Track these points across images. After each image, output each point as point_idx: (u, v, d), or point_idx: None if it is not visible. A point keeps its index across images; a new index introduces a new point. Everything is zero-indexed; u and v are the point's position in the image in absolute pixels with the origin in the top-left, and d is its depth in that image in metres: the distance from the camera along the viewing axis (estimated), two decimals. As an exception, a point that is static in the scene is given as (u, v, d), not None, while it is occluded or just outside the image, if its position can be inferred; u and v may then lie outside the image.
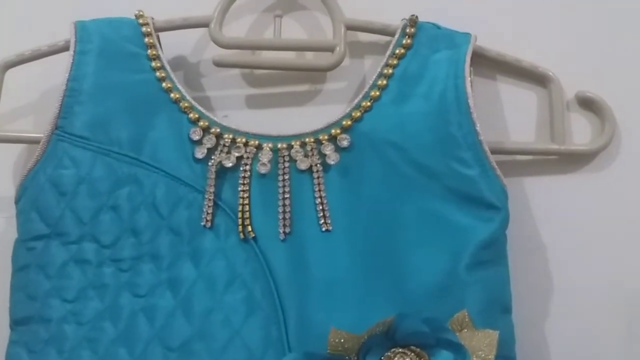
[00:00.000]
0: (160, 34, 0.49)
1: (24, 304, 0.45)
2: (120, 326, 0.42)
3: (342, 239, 0.43)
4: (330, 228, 0.43)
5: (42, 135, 0.46)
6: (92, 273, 0.44)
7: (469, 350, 0.38)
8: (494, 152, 0.45)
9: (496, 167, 0.44)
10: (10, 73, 0.50)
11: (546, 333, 0.48)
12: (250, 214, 0.43)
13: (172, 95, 0.46)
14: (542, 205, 0.49)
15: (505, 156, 0.49)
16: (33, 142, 0.48)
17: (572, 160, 0.49)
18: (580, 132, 0.49)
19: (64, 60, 0.47)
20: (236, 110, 0.52)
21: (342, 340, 0.38)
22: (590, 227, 0.49)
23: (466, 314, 0.40)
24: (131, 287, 0.43)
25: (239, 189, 0.44)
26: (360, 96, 0.46)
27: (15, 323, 0.45)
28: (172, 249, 0.43)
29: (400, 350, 0.38)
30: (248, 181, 0.44)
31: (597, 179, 0.49)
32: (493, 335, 0.40)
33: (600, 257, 0.48)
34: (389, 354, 0.38)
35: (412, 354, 0.38)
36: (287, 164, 0.44)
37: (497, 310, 0.42)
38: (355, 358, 0.39)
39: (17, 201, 0.46)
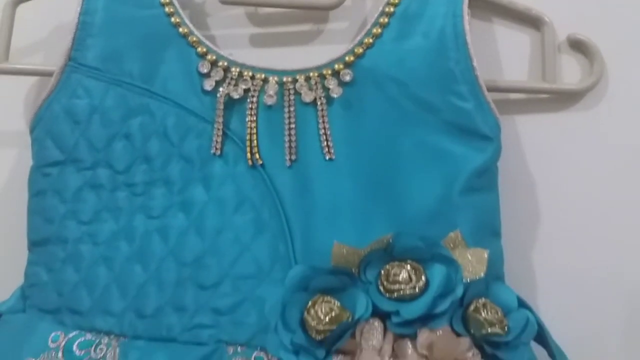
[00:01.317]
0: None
1: (41, 226, 0.47)
2: (135, 245, 0.45)
3: (344, 167, 0.45)
4: (334, 157, 0.45)
5: (54, 68, 0.48)
6: (106, 197, 0.46)
7: (461, 266, 0.42)
8: (488, 89, 0.48)
9: (490, 101, 0.47)
10: (21, 8, 0.52)
11: (534, 260, 0.52)
12: (257, 142, 0.46)
13: (180, 29, 0.48)
14: (532, 141, 0.52)
15: (499, 94, 0.51)
16: (46, 74, 0.50)
17: (562, 99, 0.52)
18: (570, 72, 0.52)
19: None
20: (241, 49, 0.53)
21: (344, 253, 0.41)
22: (578, 162, 0.51)
23: (459, 233, 0.43)
24: (145, 210, 0.46)
25: (247, 119, 0.46)
26: (363, 33, 0.48)
27: (34, 244, 0.48)
28: (183, 175, 0.46)
29: (397, 263, 0.41)
30: (255, 112, 0.46)
31: (584, 116, 0.52)
32: (483, 253, 0.43)
33: (586, 190, 0.51)
34: (387, 267, 0.41)
35: (409, 267, 0.41)
36: (292, 97, 0.46)
37: (487, 233, 0.45)
38: (357, 271, 0.42)
39: (31, 130, 0.48)
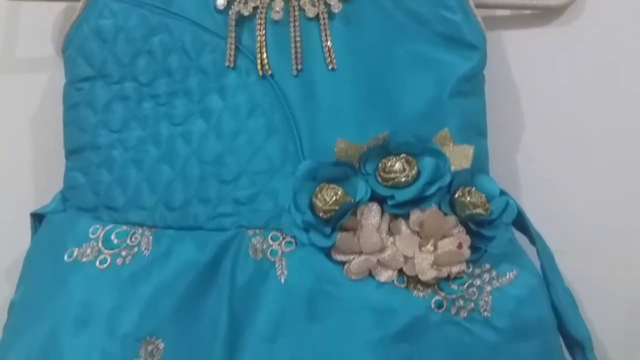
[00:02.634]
0: None
1: (76, 135, 0.53)
2: (162, 148, 0.51)
3: (345, 76, 0.50)
4: (335, 67, 0.50)
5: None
6: (133, 107, 0.52)
7: (449, 158, 0.47)
8: (476, 6, 0.52)
9: (477, 15, 0.51)
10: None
11: (518, 163, 0.58)
12: (267, 54, 0.51)
13: None
14: (517, 53, 0.57)
15: (486, 10, 0.56)
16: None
17: (545, 15, 0.57)
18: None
19: None
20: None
21: (346, 148, 0.47)
22: (560, 71, 0.57)
23: (448, 131, 0.49)
24: (169, 117, 0.51)
25: (257, 34, 0.51)
26: (359, -48, 0.52)
27: (70, 152, 0.54)
28: (201, 86, 0.51)
29: (393, 157, 0.47)
30: (264, 27, 0.51)
31: (565, 31, 0.57)
32: (469, 149, 0.49)
33: (568, 101, 0.57)
34: (384, 160, 0.47)
35: (403, 159, 0.47)
36: (297, 13, 0.51)
37: (474, 132, 0.50)
38: (357, 165, 0.48)
39: (64, 50, 0.53)
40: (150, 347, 0.46)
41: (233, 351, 0.45)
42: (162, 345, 0.46)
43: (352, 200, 0.46)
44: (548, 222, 0.54)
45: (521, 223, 0.52)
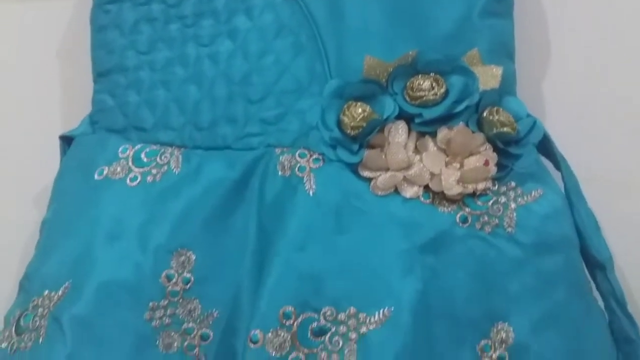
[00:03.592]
0: None
1: (104, 58, 0.53)
2: (189, 69, 0.51)
3: None
4: None
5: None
6: (160, 29, 0.52)
7: (478, 77, 0.47)
8: None
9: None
10: None
11: (544, 91, 0.57)
12: (294, -27, 0.51)
13: None
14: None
15: None
16: None
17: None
18: None
19: None
20: None
21: (374, 65, 0.47)
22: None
23: (477, 51, 0.48)
24: (196, 39, 0.51)
25: (283, -49, 0.51)
26: None
27: (99, 75, 0.54)
28: (228, 6, 0.51)
29: (421, 76, 0.47)
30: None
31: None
32: (498, 69, 0.48)
33: (597, 27, 0.56)
34: (412, 78, 0.47)
35: (431, 78, 0.47)
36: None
37: (503, 54, 0.50)
38: (385, 83, 0.48)
39: (90, -28, 0.53)
40: (181, 259, 0.48)
41: (262, 260, 0.47)
42: (193, 257, 0.48)
43: (380, 117, 0.46)
44: (573, 149, 0.55)
45: (547, 147, 0.52)
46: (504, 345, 0.44)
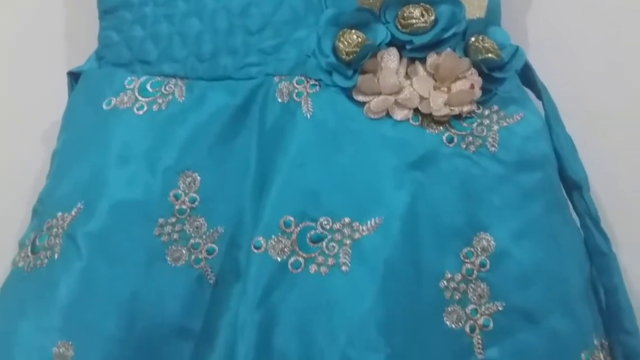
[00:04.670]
0: None
1: (109, -4, 0.56)
2: (191, 3, 0.53)
3: None
4: None
5: None
6: None
7: (465, 5, 0.50)
8: None
9: None
10: None
11: (528, 22, 0.60)
12: None
13: None
14: None
15: None
16: None
17: None
18: None
19: None
20: None
21: (368, -6, 0.50)
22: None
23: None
24: None
25: None
26: None
27: (105, 12, 0.56)
28: None
29: (412, 5, 0.50)
30: None
31: None
32: (483, 1, 0.51)
33: None
34: (403, 8, 0.50)
35: (421, 7, 0.49)
36: None
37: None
38: (378, 12, 0.50)
39: None
40: (188, 180, 0.51)
41: (263, 182, 0.50)
42: (198, 178, 0.51)
43: (373, 44, 0.49)
44: (554, 81, 0.58)
45: (528, 76, 0.55)
46: (485, 253, 0.48)
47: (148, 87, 0.54)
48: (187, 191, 0.51)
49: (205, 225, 0.51)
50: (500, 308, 0.48)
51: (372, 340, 0.44)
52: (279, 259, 0.46)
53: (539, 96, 0.56)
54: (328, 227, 0.48)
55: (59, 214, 0.51)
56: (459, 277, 0.48)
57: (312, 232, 0.47)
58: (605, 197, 0.60)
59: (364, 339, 0.44)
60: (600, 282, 0.53)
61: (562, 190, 0.54)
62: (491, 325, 0.48)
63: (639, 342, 0.52)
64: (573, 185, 0.54)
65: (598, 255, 0.53)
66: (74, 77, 0.59)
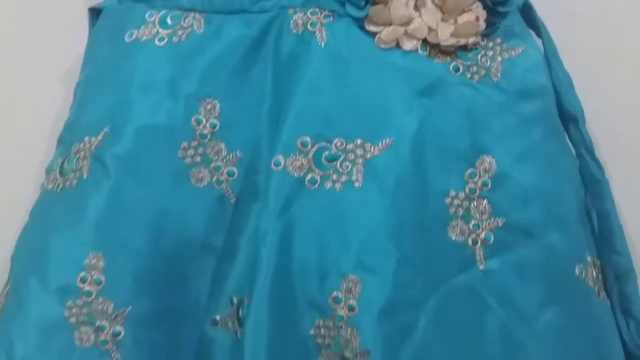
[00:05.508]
0: None
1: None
2: None
3: None
4: None
5: None
6: None
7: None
8: None
9: None
10: None
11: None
12: None
13: None
14: None
15: None
16: None
17: None
18: None
19: None
20: None
21: None
22: None
23: None
24: None
25: None
26: None
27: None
28: None
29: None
30: None
31: None
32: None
33: None
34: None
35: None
36: None
37: None
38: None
39: None
40: (208, 107, 0.54)
41: (278, 110, 0.53)
42: (218, 105, 0.54)
43: (384, -24, 0.52)
44: (553, 22, 0.61)
45: (529, 15, 0.58)
46: (487, 174, 0.52)
47: (168, 20, 0.57)
48: (208, 117, 0.54)
49: (226, 149, 0.54)
50: (500, 224, 0.52)
51: (383, 246, 0.48)
52: (296, 175, 0.50)
53: (538, 34, 0.59)
54: (342, 147, 0.51)
55: (86, 137, 0.54)
56: (462, 195, 0.52)
57: (327, 152, 0.51)
58: (600, 131, 0.63)
59: (376, 245, 0.48)
60: (593, 208, 0.57)
61: (559, 120, 0.57)
62: (492, 239, 0.52)
63: (629, 262, 0.56)
64: (570, 118, 0.57)
65: (592, 182, 0.57)
66: (95, 13, 0.62)
